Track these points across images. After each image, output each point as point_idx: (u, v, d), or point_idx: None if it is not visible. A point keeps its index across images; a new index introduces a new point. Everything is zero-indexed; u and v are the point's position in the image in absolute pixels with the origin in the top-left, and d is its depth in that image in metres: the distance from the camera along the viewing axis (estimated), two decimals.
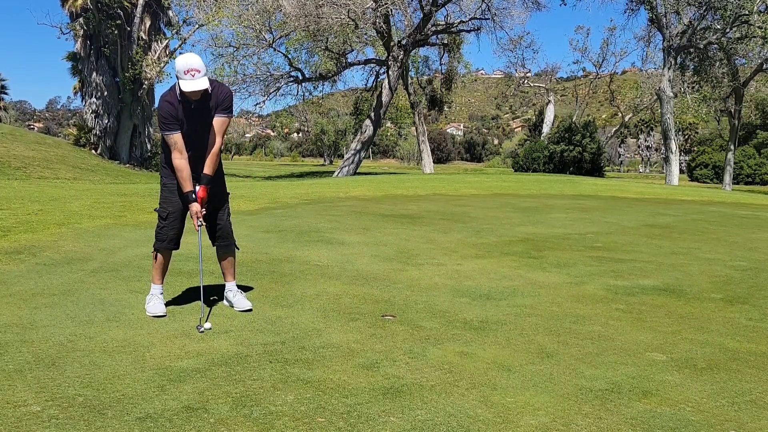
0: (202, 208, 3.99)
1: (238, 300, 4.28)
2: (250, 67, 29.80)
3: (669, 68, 31.69)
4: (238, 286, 4.45)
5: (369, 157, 79.19)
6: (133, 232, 7.23)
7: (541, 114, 51.86)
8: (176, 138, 3.89)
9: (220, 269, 4.44)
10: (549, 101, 45.96)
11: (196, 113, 3.94)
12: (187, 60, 3.80)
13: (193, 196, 3.94)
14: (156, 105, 31.60)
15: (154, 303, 4.09)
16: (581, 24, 68.26)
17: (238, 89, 30.03)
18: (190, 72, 3.77)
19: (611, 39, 59.63)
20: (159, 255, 4.17)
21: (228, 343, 3.51)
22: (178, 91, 3.88)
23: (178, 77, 3.82)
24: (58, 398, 2.70)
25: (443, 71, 38.93)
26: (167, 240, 4.12)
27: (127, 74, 28.26)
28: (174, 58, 30.31)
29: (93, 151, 28.91)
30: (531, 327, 4.02)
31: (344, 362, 3.27)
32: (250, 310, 4.20)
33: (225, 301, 4.38)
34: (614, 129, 59.45)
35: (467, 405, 2.78)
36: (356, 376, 3.07)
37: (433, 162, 39.93)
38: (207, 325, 3.79)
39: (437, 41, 34.80)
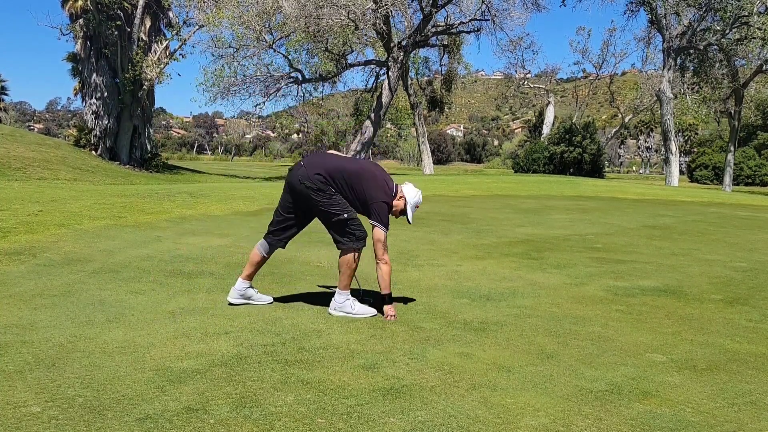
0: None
1: (259, 297, 4.42)
2: (250, 68, 29.85)
3: (669, 69, 31.72)
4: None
5: (369, 158, 79.15)
6: (133, 233, 7.23)
7: (541, 115, 51.89)
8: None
9: (251, 267, 4.40)
10: (549, 102, 45.97)
11: None
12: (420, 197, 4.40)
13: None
14: (156, 106, 31.29)
15: (359, 305, 4.21)
16: (581, 25, 68.41)
17: (238, 90, 30.08)
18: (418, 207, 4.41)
19: (611, 40, 59.67)
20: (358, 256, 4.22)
21: (228, 344, 3.51)
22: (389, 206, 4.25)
23: (415, 200, 4.34)
24: (58, 399, 2.70)
25: (443, 72, 38.97)
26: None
27: (127, 75, 28.22)
28: (174, 59, 30.34)
29: (93, 152, 28.85)
30: (531, 328, 4.02)
31: (344, 363, 3.27)
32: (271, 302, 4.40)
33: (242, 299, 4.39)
34: (614, 130, 59.46)
35: (467, 406, 2.78)
36: (356, 377, 3.07)
37: (433, 163, 39.97)
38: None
39: (437, 42, 34.82)
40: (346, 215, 4.12)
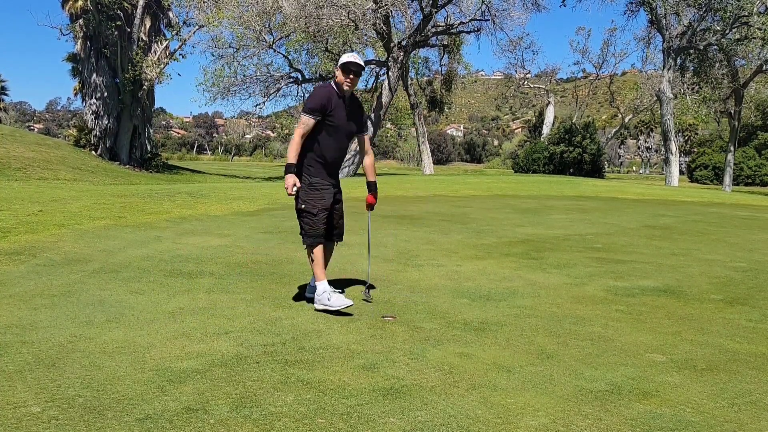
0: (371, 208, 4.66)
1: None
2: (250, 68, 29.89)
3: (669, 69, 31.71)
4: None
5: None
6: (132, 233, 7.23)
7: (541, 115, 51.90)
8: (311, 123, 4.21)
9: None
10: (549, 102, 45.97)
11: (344, 113, 4.32)
12: (351, 54, 4.38)
13: (293, 168, 4.18)
14: (156, 106, 31.31)
15: (336, 297, 4.22)
16: (581, 25, 68.58)
17: (238, 90, 30.10)
18: (353, 55, 4.31)
19: (611, 40, 59.76)
20: (316, 250, 4.29)
21: (228, 344, 3.51)
22: (335, 87, 4.28)
23: (340, 62, 4.26)
24: (58, 399, 2.70)
25: (443, 72, 38.98)
26: (320, 234, 4.30)
27: (127, 75, 28.22)
28: (174, 59, 30.34)
29: (93, 152, 28.84)
30: (531, 328, 4.02)
31: (344, 363, 3.27)
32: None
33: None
34: (614, 130, 59.46)
35: (467, 406, 2.78)
36: (356, 377, 3.08)
37: (433, 163, 39.97)
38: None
39: (437, 42, 34.82)
40: (304, 206, 4.27)
